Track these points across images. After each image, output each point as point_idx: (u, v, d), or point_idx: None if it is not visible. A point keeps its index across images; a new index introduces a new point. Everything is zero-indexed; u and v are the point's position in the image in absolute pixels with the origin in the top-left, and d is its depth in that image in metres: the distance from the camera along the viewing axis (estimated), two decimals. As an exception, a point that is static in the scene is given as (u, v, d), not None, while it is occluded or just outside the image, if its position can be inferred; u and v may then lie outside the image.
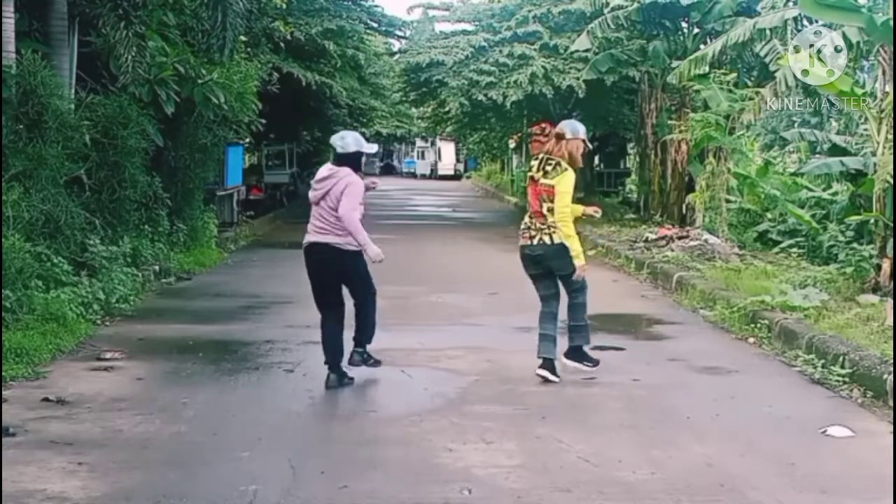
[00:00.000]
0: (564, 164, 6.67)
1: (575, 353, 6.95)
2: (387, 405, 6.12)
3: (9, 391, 6.11)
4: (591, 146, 6.96)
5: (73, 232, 8.99)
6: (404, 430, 5.54)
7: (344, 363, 6.64)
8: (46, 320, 7.61)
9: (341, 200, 6.33)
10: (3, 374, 6.26)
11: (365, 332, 6.76)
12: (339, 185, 6.37)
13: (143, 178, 10.68)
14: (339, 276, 6.66)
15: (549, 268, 6.82)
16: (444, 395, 6.34)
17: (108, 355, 7.19)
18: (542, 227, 6.70)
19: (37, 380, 6.50)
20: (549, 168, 6.70)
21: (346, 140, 6.58)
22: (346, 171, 6.48)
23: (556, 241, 6.66)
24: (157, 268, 11.06)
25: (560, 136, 6.76)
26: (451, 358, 7.41)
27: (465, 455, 5.06)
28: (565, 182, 6.61)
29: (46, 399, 5.95)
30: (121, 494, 4.42)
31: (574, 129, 6.81)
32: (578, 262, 6.67)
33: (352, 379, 6.63)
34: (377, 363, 6.83)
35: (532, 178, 6.83)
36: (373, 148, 6.87)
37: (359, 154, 6.58)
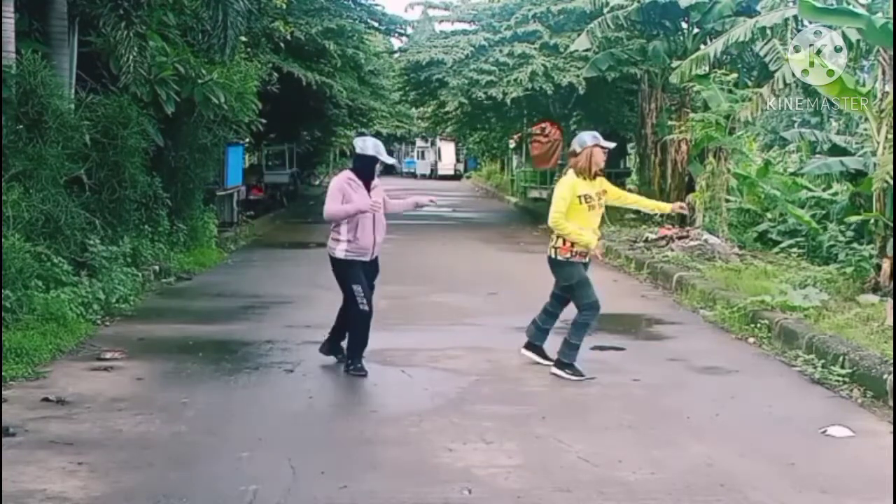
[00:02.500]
0: (567, 171, 6.94)
1: (559, 365, 6.94)
2: (387, 405, 6.12)
3: (9, 391, 6.11)
4: (607, 144, 7.00)
5: (73, 232, 8.98)
6: (404, 430, 5.54)
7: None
8: (46, 320, 7.61)
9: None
10: (3, 374, 6.27)
11: (349, 341, 6.93)
12: None
13: (143, 178, 10.68)
14: (335, 277, 6.96)
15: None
16: (444, 395, 6.34)
17: (108, 355, 7.19)
18: (550, 239, 6.97)
19: (37, 380, 6.49)
20: None
21: (367, 143, 6.88)
22: (339, 175, 6.87)
23: (551, 255, 6.94)
24: (157, 268, 11.06)
25: (573, 154, 6.98)
26: (451, 358, 7.41)
27: (465, 455, 5.07)
28: (558, 186, 6.90)
29: (46, 399, 5.95)
30: (121, 494, 4.42)
31: (581, 142, 6.96)
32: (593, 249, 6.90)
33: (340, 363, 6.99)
34: (357, 372, 6.81)
35: None
36: (389, 160, 7.14)
37: (373, 159, 6.84)
